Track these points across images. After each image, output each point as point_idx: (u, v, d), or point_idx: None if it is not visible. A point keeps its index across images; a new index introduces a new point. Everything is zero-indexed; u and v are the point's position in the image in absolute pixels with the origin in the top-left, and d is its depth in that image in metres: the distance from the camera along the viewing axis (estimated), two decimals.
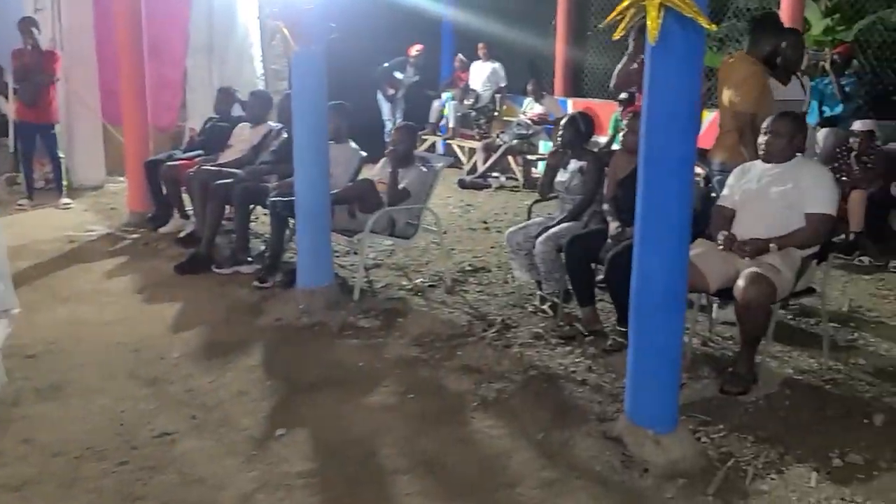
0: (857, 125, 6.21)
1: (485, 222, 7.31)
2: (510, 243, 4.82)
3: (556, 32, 9.95)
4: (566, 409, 3.51)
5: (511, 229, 4.87)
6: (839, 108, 6.84)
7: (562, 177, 4.82)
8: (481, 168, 9.10)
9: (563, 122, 4.86)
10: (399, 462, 3.07)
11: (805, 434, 3.27)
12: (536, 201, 5.10)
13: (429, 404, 3.58)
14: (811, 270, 3.84)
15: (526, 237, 4.76)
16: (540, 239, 4.58)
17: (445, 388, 3.77)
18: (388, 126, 10.19)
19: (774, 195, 3.77)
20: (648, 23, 2.73)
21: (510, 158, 9.20)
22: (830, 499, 2.81)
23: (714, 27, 2.82)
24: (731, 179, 4.01)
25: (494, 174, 9.33)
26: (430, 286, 5.31)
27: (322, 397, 3.63)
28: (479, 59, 10.09)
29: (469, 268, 5.74)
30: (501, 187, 9.06)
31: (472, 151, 9.68)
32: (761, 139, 3.87)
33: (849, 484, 2.90)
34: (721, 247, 3.72)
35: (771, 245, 3.65)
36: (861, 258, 5.85)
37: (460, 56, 10.41)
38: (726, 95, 4.53)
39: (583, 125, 4.79)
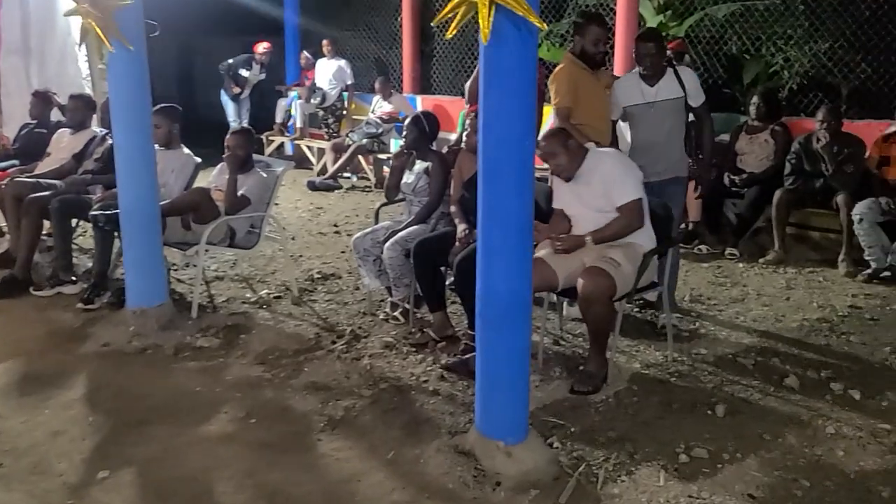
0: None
1: (335, 225, 7.09)
2: (357, 250, 4.64)
3: (402, 28, 9.81)
4: (418, 424, 3.37)
5: (357, 235, 4.69)
6: None
7: (408, 178, 4.69)
8: (331, 169, 8.85)
9: (406, 122, 4.72)
10: (237, 499, 2.82)
11: (653, 431, 3.29)
12: (383, 204, 4.94)
13: (272, 430, 3.34)
14: (653, 265, 3.88)
15: (373, 242, 4.60)
16: (387, 244, 4.43)
17: (291, 409, 3.54)
18: (235, 127, 9.72)
19: (586, 199, 3.82)
20: (480, 21, 2.62)
21: (361, 158, 9.00)
22: (678, 497, 2.81)
23: (545, 26, 2.76)
24: (553, 184, 4.04)
25: (346, 174, 9.11)
26: (276, 297, 5.04)
27: (153, 431, 3.31)
28: (324, 56, 9.81)
29: (318, 275, 5.51)
30: (353, 188, 8.87)
31: (321, 152, 9.41)
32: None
33: (695, 480, 2.92)
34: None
35: (586, 238, 3.73)
36: (700, 247, 6.07)
37: (305, 53, 10.11)
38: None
39: (427, 125, 4.66)
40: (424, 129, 4.64)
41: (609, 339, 3.75)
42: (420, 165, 4.64)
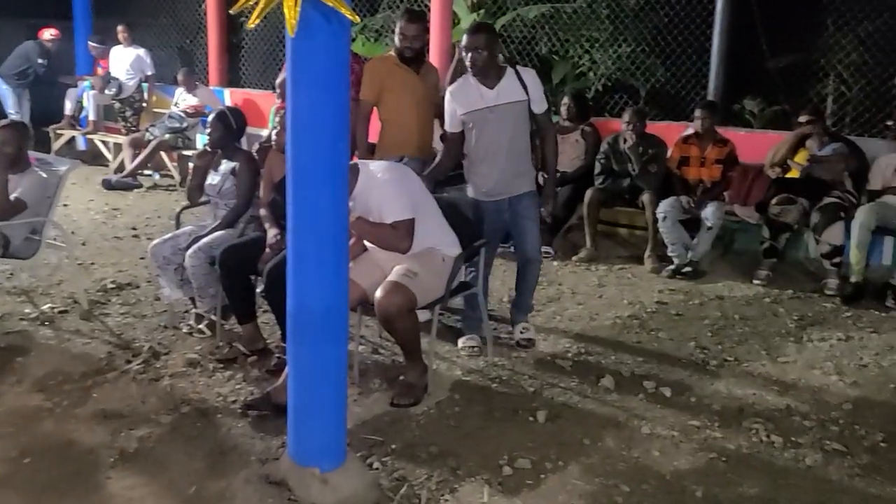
0: None
1: (134, 228, 6.49)
2: (156, 258, 4.22)
3: (206, 16, 9.21)
4: (224, 452, 3.06)
5: (156, 242, 4.26)
6: None
7: (213, 179, 4.32)
8: (130, 166, 8.15)
9: (210, 118, 4.34)
10: None
11: (476, 442, 3.18)
12: (185, 207, 4.53)
13: (51, 470, 2.91)
14: (461, 270, 3.78)
15: (174, 249, 4.19)
16: (190, 251, 4.05)
17: (75, 443, 3.11)
18: (2, 122, 8.73)
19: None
20: (286, 12, 2.38)
21: (163, 154, 8.36)
22: None
23: (357, 18, 2.56)
24: None
25: (146, 172, 8.43)
26: (61, 312, 4.49)
27: None
28: (119, 44, 9.02)
29: (112, 285, 4.98)
30: (154, 187, 8.21)
31: (118, 147, 8.66)
32: None
33: (518, 493, 2.83)
34: None
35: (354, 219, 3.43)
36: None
37: (92, 42, 9.22)
38: None
39: (233, 121, 4.32)
40: (230, 126, 4.29)
41: (425, 346, 3.62)
42: (226, 165, 4.29)
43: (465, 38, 3.89)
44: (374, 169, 3.52)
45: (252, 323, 3.99)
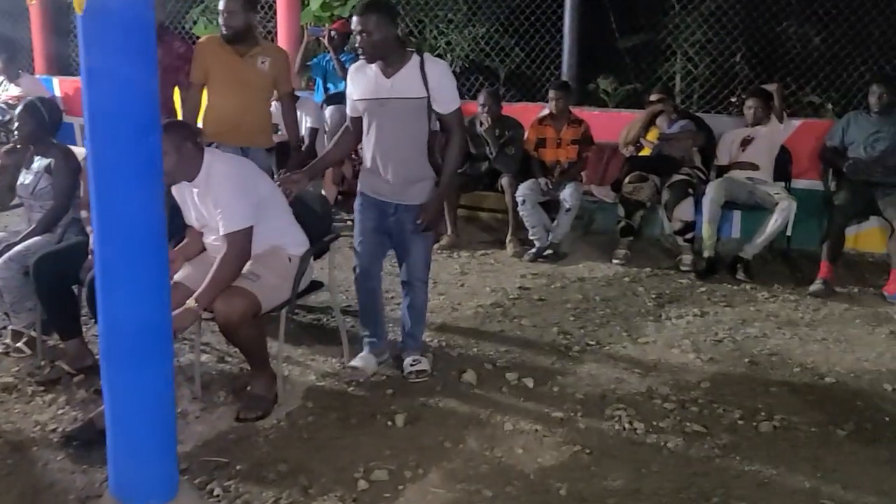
0: None
1: None
2: None
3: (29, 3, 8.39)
4: (39, 491, 2.69)
5: None
6: (343, 85, 6.80)
7: (24, 179, 3.85)
8: None
9: (18, 111, 3.85)
10: None
11: (330, 455, 2.94)
12: None
13: None
14: (311, 266, 3.52)
15: None
16: (0, 260, 3.58)
17: None
18: None
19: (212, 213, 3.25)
20: None
21: None
22: None
23: None
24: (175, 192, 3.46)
25: None
26: None
27: None
28: None
29: None
30: None
31: None
32: None
33: None
34: None
35: (193, 306, 3.00)
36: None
37: None
38: None
39: (46, 113, 3.85)
40: (43, 119, 3.82)
41: (274, 351, 3.35)
42: (39, 162, 3.83)
43: (353, 19, 3.36)
44: (217, 161, 3.18)
45: (77, 339, 3.58)
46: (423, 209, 3.40)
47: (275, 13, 7.03)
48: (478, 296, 4.74)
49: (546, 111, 5.85)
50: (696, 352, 3.95)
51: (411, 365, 3.59)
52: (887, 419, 3.28)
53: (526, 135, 5.80)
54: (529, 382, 3.56)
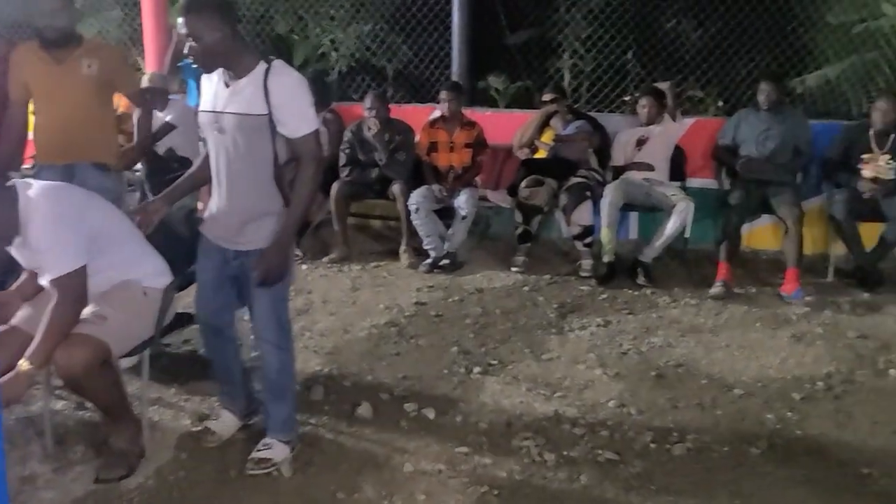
0: None
1: None
2: None
3: None
4: None
5: None
6: None
7: None
8: None
9: None
10: None
11: None
12: None
13: None
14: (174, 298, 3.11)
15: None
16: None
17: None
18: None
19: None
20: None
21: None
22: None
23: None
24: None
25: None
26: None
27: None
28: None
29: None
30: None
31: None
32: None
33: None
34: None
35: (27, 368, 2.52)
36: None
37: None
38: None
39: None
40: None
41: (136, 393, 2.94)
42: None
43: (178, 21, 2.78)
44: (32, 194, 2.65)
45: None
46: (261, 256, 2.68)
47: (139, 11, 6.47)
48: (371, 314, 4.43)
49: (437, 113, 5.58)
50: (602, 366, 3.78)
51: (257, 450, 2.89)
52: (798, 433, 3.18)
53: (417, 139, 5.51)
54: (430, 413, 3.28)
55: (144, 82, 5.90)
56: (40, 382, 3.00)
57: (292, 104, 2.63)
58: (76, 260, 2.62)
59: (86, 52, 3.67)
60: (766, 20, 6.63)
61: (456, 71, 6.25)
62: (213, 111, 2.68)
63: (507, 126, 5.78)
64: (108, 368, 2.69)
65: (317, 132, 2.71)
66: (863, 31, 6.50)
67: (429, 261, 5.18)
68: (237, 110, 2.62)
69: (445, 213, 5.33)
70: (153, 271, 2.90)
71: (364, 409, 3.29)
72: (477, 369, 3.73)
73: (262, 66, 2.63)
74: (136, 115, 4.37)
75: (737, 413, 3.33)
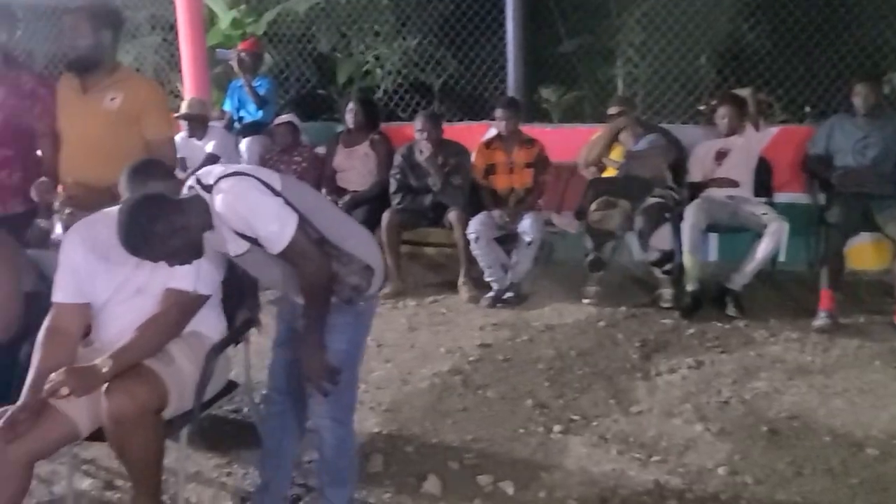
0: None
1: None
2: None
3: None
4: None
5: None
6: (260, 113, 5.99)
7: None
8: None
9: None
10: None
11: None
12: None
13: None
14: (226, 361, 2.71)
15: None
16: None
17: None
18: None
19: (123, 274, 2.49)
20: None
21: None
22: None
23: None
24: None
25: None
26: None
27: None
28: None
29: None
30: None
31: None
32: None
33: None
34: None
35: (103, 369, 2.23)
36: None
37: None
38: None
39: None
40: None
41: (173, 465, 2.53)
42: None
43: None
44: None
45: None
46: (303, 367, 2.30)
47: (176, 34, 6.15)
48: (432, 360, 3.97)
49: (492, 132, 5.13)
50: (703, 420, 3.26)
51: None
52: None
53: (472, 160, 5.06)
54: (508, 487, 2.81)
55: (183, 108, 5.60)
56: (64, 455, 2.61)
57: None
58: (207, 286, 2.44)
59: (113, 82, 3.21)
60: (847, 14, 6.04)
61: (511, 85, 5.77)
62: None
63: (564, 141, 5.32)
64: (158, 424, 2.32)
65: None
66: None
67: (491, 294, 4.72)
68: None
69: (504, 240, 4.87)
70: (215, 326, 2.57)
71: (431, 484, 2.83)
72: (557, 427, 3.24)
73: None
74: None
75: (876, 481, 2.80)
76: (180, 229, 2.17)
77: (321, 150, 5.66)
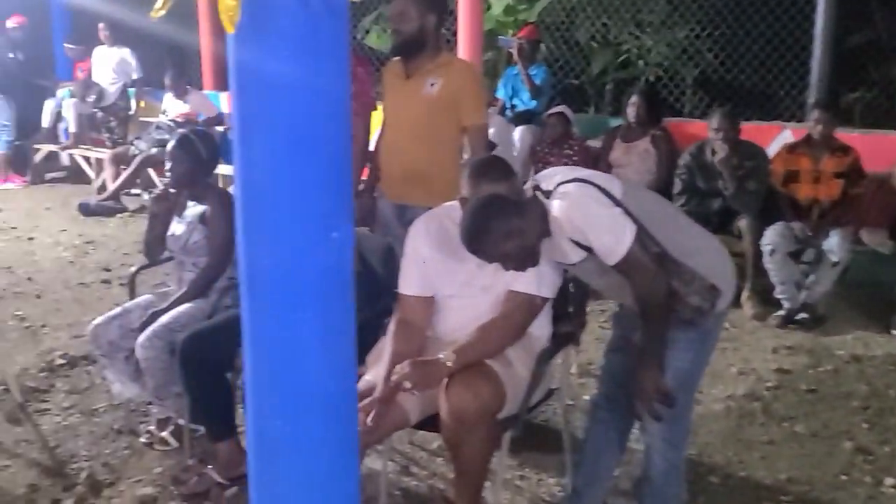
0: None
1: (107, 270, 5.29)
2: (98, 343, 3.06)
3: (197, 7, 8.00)
4: None
5: (99, 321, 3.07)
6: (534, 103, 5.89)
7: (176, 229, 3.14)
8: (111, 186, 7.00)
9: (170, 148, 3.16)
10: None
11: None
12: (142, 267, 3.37)
13: None
14: (550, 367, 2.58)
15: (124, 331, 3.04)
16: (142, 337, 2.89)
17: None
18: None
19: (470, 271, 2.41)
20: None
21: (151, 171, 7.20)
22: None
23: None
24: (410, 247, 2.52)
25: (134, 191, 7.29)
26: None
27: None
28: (101, 43, 7.88)
29: (62, 360, 3.82)
30: (142, 209, 7.03)
31: (101, 163, 7.53)
32: None
33: None
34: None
35: (447, 362, 2.19)
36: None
37: (68, 45, 8.07)
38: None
39: (203, 149, 3.12)
40: (198, 157, 3.10)
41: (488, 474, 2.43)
42: (193, 210, 3.11)
43: None
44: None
45: (230, 439, 2.82)
46: (636, 385, 2.14)
47: (455, 18, 6.18)
48: (724, 380, 3.64)
49: (786, 134, 4.66)
50: None
51: None
52: None
53: (771, 165, 4.62)
54: None
55: None
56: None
57: None
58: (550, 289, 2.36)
59: (435, 67, 3.15)
60: None
61: (815, 83, 5.21)
62: None
63: (875, 148, 4.72)
64: (496, 425, 2.26)
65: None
66: None
67: (782, 312, 4.28)
68: None
69: (797, 254, 4.40)
70: (545, 326, 2.48)
71: None
72: (890, 481, 2.82)
73: None
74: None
75: None
76: (516, 232, 2.09)
77: (592, 143, 5.46)
